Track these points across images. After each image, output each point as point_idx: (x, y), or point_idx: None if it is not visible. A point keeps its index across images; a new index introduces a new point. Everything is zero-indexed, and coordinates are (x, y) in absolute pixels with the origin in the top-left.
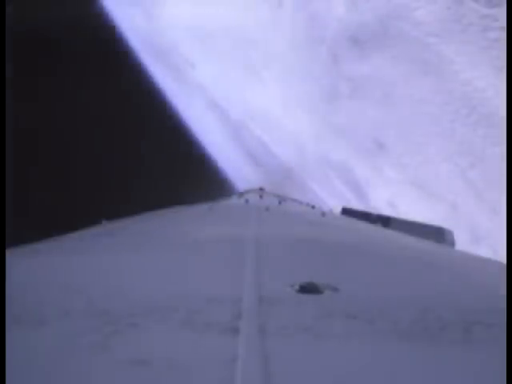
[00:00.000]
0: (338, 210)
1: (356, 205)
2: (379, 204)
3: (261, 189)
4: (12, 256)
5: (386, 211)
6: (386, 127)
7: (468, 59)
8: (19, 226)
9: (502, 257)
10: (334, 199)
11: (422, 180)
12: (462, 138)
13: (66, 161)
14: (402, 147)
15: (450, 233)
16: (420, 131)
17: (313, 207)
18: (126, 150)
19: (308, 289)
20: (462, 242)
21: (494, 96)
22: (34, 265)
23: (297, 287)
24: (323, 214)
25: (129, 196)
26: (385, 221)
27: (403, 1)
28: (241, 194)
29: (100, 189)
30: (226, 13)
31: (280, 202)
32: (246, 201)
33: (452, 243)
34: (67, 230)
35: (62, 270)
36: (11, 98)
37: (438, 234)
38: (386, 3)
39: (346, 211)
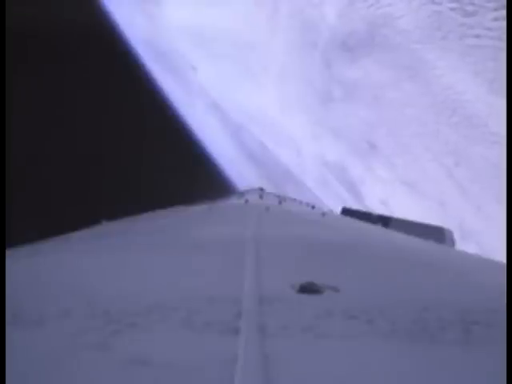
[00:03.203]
0: (336, 208)
1: (352, 204)
2: (373, 202)
3: (261, 189)
4: (12, 256)
5: (380, 209)
6: (376, 128)
7: (448, 64)
8: (19, 226)
9: (489, 251)
10: (331, 198)
11: (411, 179)
12: (446, 139)
13: (66, 161)
14: (391, 148)
15: (450, 233)
16: (407, 132)
17: (313, 207)
18: (126, 150)
19: (308, 289)
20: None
21: (472, 99)
22: (34, 265)
23: (297, 287)
24: (323, 214)
25: (129, 196)
26: (385, 221)
27: (388, 10)
28: (241, 194)
29: (100, 189)
30: (225, 18)
31: (280, 202)
32: (246, 201)
33: (452, 243)
34: (67, 230)
35: (62, 270)
36: (11, 99)
37: (438, 234)
38: (373, 12)
39: (346, 211)
